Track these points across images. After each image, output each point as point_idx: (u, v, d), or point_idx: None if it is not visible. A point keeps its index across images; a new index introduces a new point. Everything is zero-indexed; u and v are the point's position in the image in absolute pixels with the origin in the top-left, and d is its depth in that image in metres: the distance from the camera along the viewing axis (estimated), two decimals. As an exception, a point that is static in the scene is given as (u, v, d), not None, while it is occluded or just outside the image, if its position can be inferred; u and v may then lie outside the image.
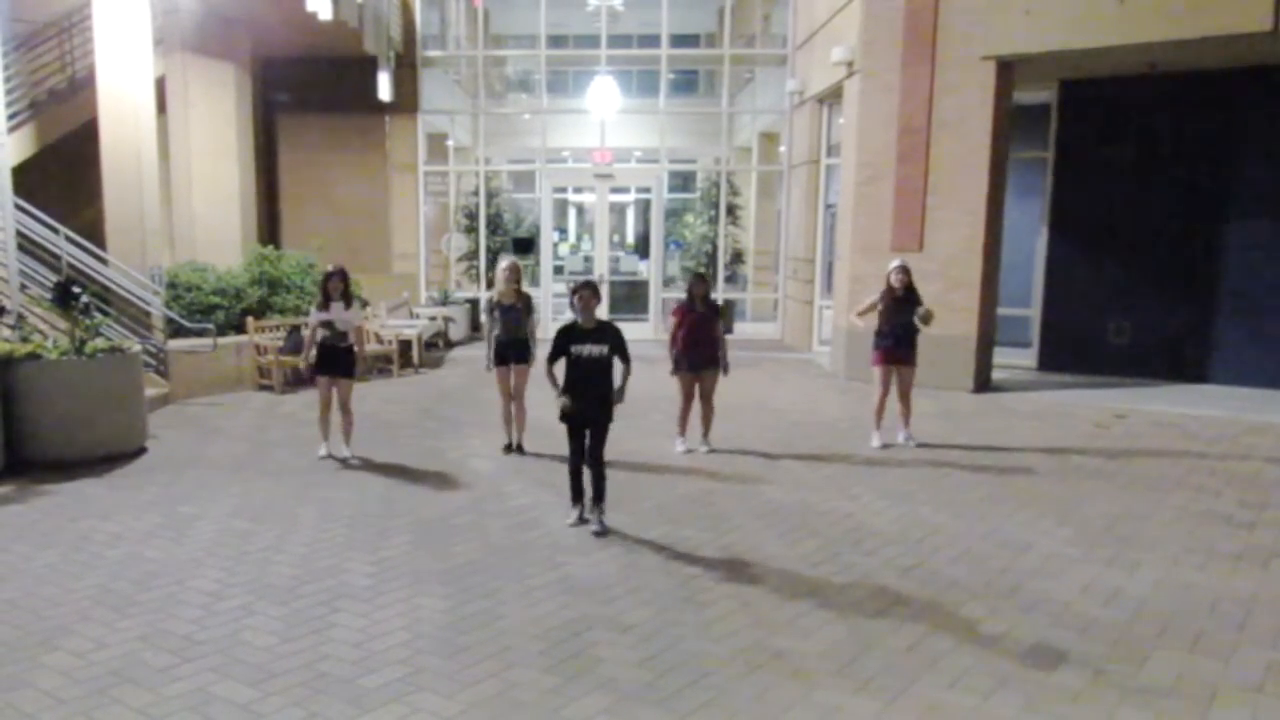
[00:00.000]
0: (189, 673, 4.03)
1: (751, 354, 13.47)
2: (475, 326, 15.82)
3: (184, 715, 3.69)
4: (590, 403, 5.90)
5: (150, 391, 9.11)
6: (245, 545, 5.67)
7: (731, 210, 17.66)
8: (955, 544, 5.77)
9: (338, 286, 7.76)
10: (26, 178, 10.12)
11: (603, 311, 6.12)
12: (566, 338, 5.90)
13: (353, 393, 8.00)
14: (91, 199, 10.50)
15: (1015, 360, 12.44)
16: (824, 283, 14.32)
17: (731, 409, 8.91)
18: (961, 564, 5.43)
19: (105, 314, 8.84)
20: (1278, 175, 11.07)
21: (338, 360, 7.80)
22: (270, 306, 11.72)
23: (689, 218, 20.09)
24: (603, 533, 5.89)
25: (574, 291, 6.02)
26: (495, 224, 17.61)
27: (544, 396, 8.71)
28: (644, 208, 22.69)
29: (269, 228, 15.49)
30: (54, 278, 8.92)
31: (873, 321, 8.43)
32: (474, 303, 16.14)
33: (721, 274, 16.81)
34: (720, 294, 15.90)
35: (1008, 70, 10.79)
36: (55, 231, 9.56)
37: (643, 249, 21.47)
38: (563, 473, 6.22)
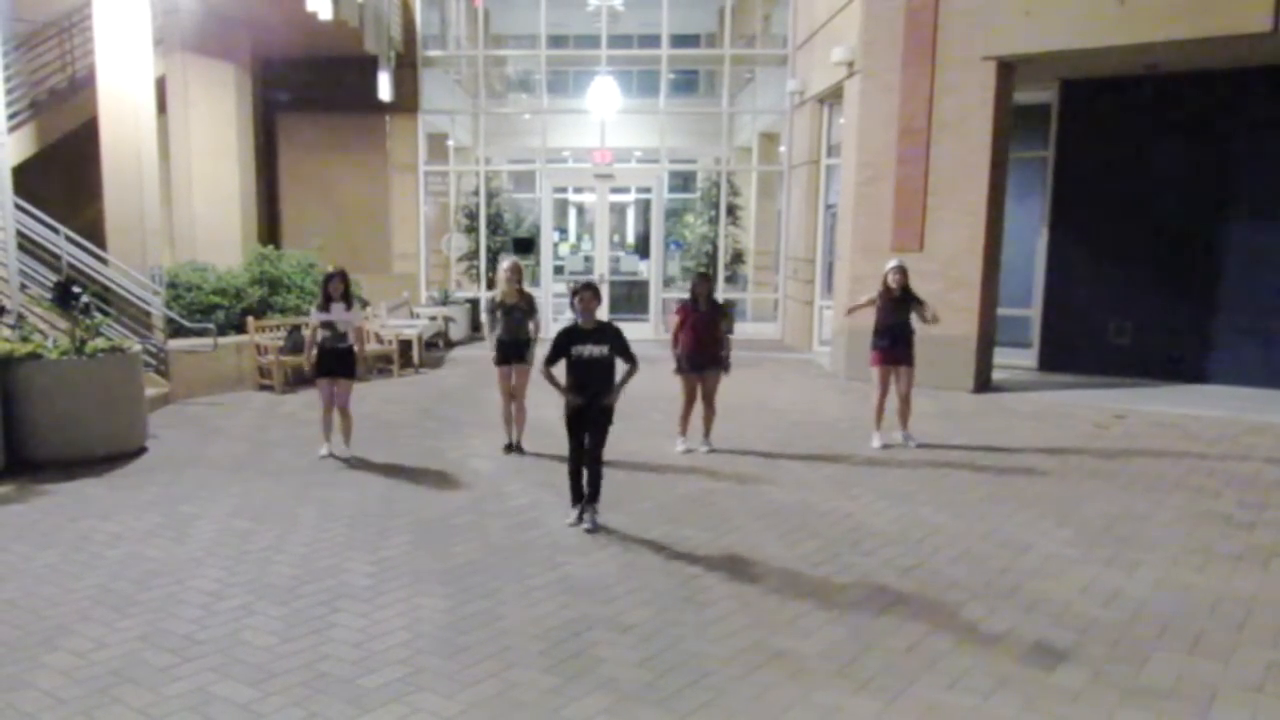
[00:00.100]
0: (189, 672, 4.04)
1: (752, 354, 13.47)
2: (475, 326, 15.82)
3: (184, 715, 3.70)
4: (591, 403, 5.89)
5: (150, 391, 9.11)
6: (245, 545, 5.67)
7: (731, 210, 17.66)
8: (955, 544, 5.77)
9: (338, 288, 7.77)
10: (27, 178, 10.11)
11: (603, 312, 6.13)
12: (567, 339, 5.90)
13: (352, 393, 8.00)
14: (91, 199, 10.50)
15: (1015, 360, 12.44)
16: (824, 283, 14.32)
17: (732, 409, 8.91)
18: (961, 564, 5.43)
19: (105, 314, 8.84)
20: (1277, 175, 11.07)
21: (338, 361, 7.81)
22: (270, 306, 11.72)
23: (689, 218, 20.09)
24: (594, 530, 5.90)
25: (574, 293, 6.03)
26: (495, 224, 17.61)
27: (544, 397, 8.72)
28: (644, 208, 22.71)
29: (269, 228, 15.49)
30: (54, 278, 8.92)
31: (866, 319, 8.42)
32: (474, 303, 16.15)
33: (722, 274, 16.80)
34: (720, 294, 15.87)
35: (1008, 70, 10.79)
36: (55, 231, 9.56)
37: (643, 249, 21.48)
38: (563, 473, 6.22)
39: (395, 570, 5.27)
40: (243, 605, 4.76)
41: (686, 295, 8.24)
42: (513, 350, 7.93)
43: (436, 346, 14.38)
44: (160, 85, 11.94)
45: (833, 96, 13.60)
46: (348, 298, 7.86)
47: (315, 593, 4.93)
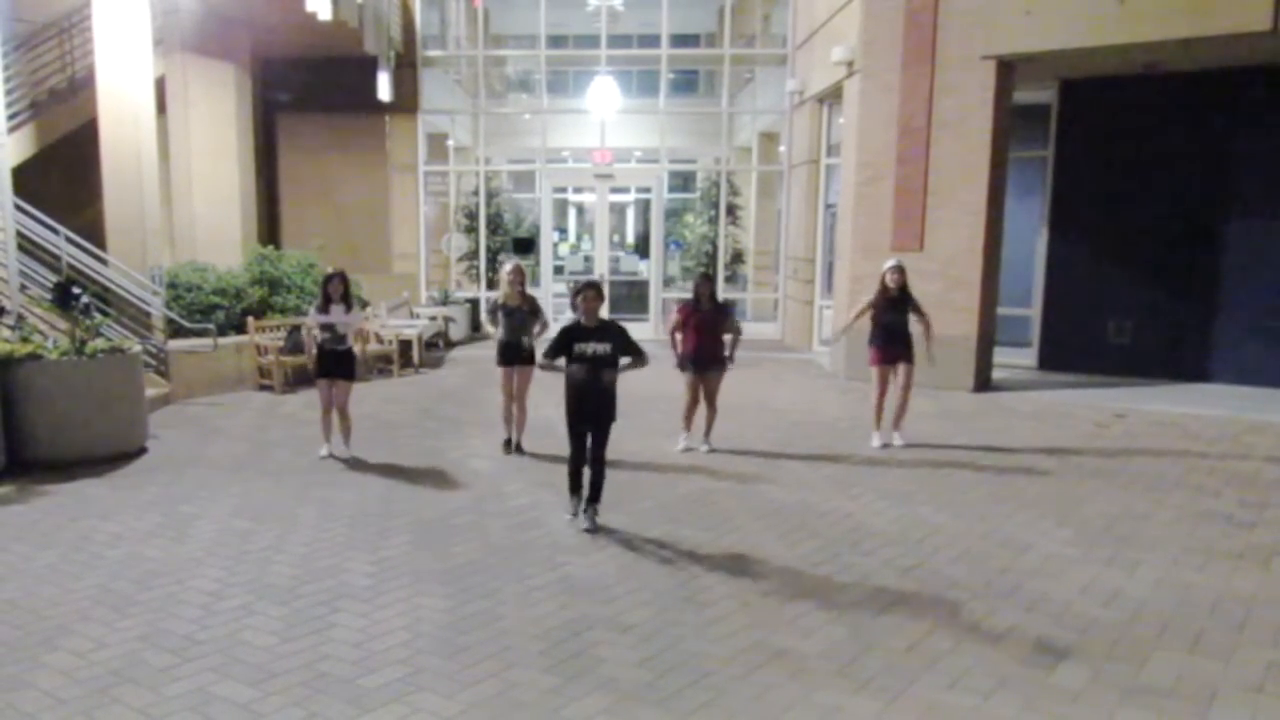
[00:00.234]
0: (189, 673, 4.04)
1: (752, 354, 13.45)
2: (476, 327, 15.82)
3: (184, 715, 3.70)
4: (593, 402, 5.87)
5: (150, 391, 9.11)
6: (245, 545, 5.67)
7: (731, 210, 17.67)
8: (955, 544, 5.77)
9: (338, 289, 7.77)
10: (26, 178, 10.12)
11: (603, 312, 6.07)
12: (569, 336, 5.85)
13: (352, 394, 8.00)
14: (91, 199, 10.50)
15: (1015, 360, 12.44)
16: (824, 283, 14.32)
17: (732, 409, 8.91)
18: (961, 564, 5.43)
19: (105, 314, 8.84)
20: (1277, 174, 11.07)
21: (337, 363, 7.81)
22: (270, 306, 11.72)
23: (689, 218, 20.10)
24: (593, 530, 5.89)
25: (577, 292, 5.95)
26: (495, 224, 17.61)
27: (544, 397, 8.76)
28: (644, 208, 22.70)
29: (269, 228, 15.49)
30: (54, 278, 8.93)
31: (866, 323, 8.44)
32: (474, 303, 16.15)
33: (722, 274, 16.80)
34: (720, 294, 15.88)
35: (1008, 70, 10.79)
36: (55, 232, 9.57)
37: (643, 249, 21.48)
38: (563, 473, 6.22)
39: (395, 570, 5.27)
40: (243, 605, 4.76)
41: (687, 295, 8.25)
42: (514, 352, 7.93)
43: (436, 346, 14.38)
44: (160, 85, 11.94)
45: (832, 96, 13.60)
46: (347, 299, 7.86)
47: (315, 593, 4.93)
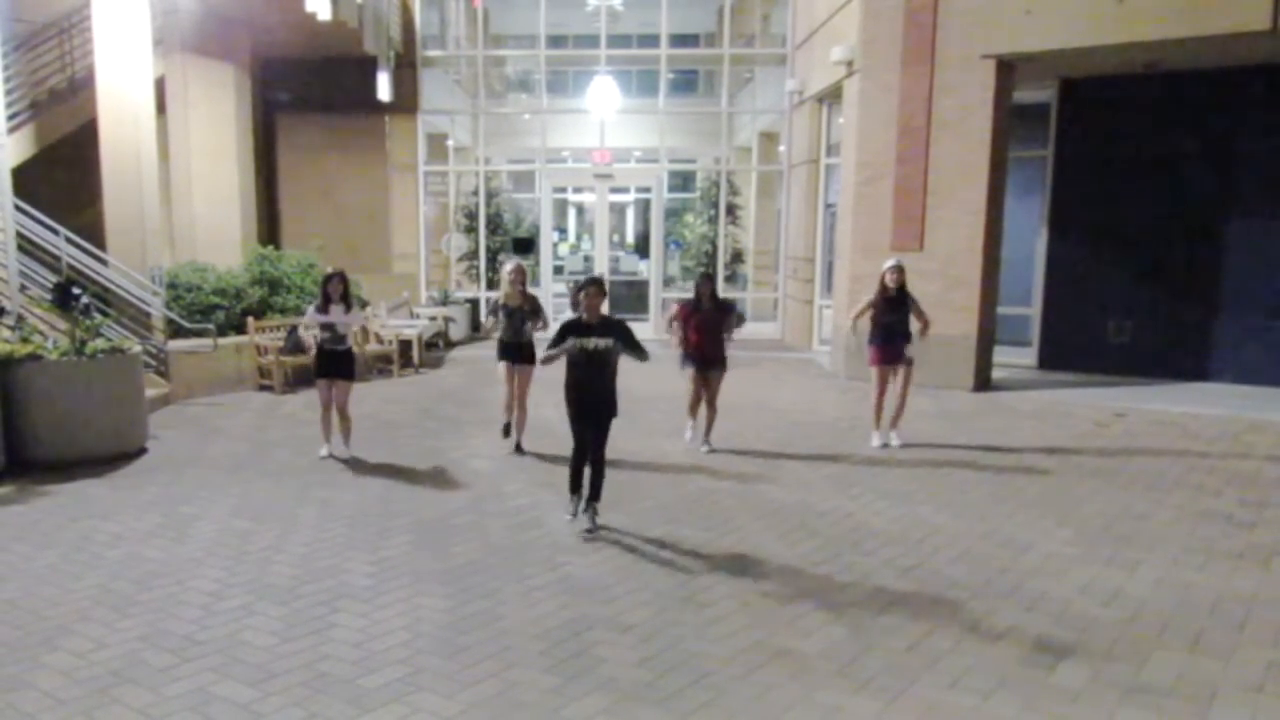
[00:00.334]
0: (189, 673, 4.04)
1: (752, 354, 13.47)
2: (475, 327, 15.83)
3: (184, 715, 3.70)
4: (595, 397, 5.86)
5: (150, 392, 9.11)
6: (245, 545, 5.67)
7: (731, 210, 17.66)
8: (955, 544, 5.77)
9: (338, 289, 7.77)
10: (26, 178, 10.12)
11: (604, 309, 6.04)
12: (571, 332, 5.82)
13: (352, 394, 8.00)
14: (91, 199, 10.49)
15: (1015, 359, 12.44)
16: (824, 282, 14.32)
17: (732, 409, 8.91)
18: (961, 564, 5.43)
19: (105, 314, 8.83)
20: (1277, 173, 11.07)
21: (337, 363, 7.81)
22: (270, 306, 11.72)
23: (689, 217, 20.10)
24: (593, 530, 5.87)
25: (579, 289, 5.88)
26: (495, 224, 17.62)
27: (544, 396, 8.76)
28: (644, 208, 22.70)
29: (269, 228, 15.49)
30: (54, 278, 8.92)
31: (865, 323, 8.46)
32: (474, 303, 16.15)
33: (721, 274, 16.81)
34: (720, 294, 15.89)
35: (1008, 70, 10.79)
36: (55, 232, 9.56)
37: (642, 249, 21.48)
38: (562, 474, 6.22)
39: (395, 570, 5.27)
40: (243, 605, 4.76)
41: (686, 295, 8.27)
42: (515, 351, 7.93)
43: (436, 347, 14.38)
44: (160, 86, 11.94)
45: (832, 96, 13.60)
46: (347, 299, 7.86)
47: (315, 593, 4.93)
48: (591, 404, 5.87)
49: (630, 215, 27.35)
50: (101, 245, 9.91)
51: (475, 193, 17.04)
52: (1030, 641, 4.39)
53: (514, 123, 19.78)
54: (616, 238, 25.63)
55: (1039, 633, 4.49)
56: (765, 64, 17.46)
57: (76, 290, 7.91)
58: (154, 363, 9.92)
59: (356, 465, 7.65)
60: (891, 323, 8.22)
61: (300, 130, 15.94)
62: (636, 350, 5.93)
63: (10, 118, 9.97)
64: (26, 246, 9.33)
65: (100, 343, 8.10)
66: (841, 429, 9.07)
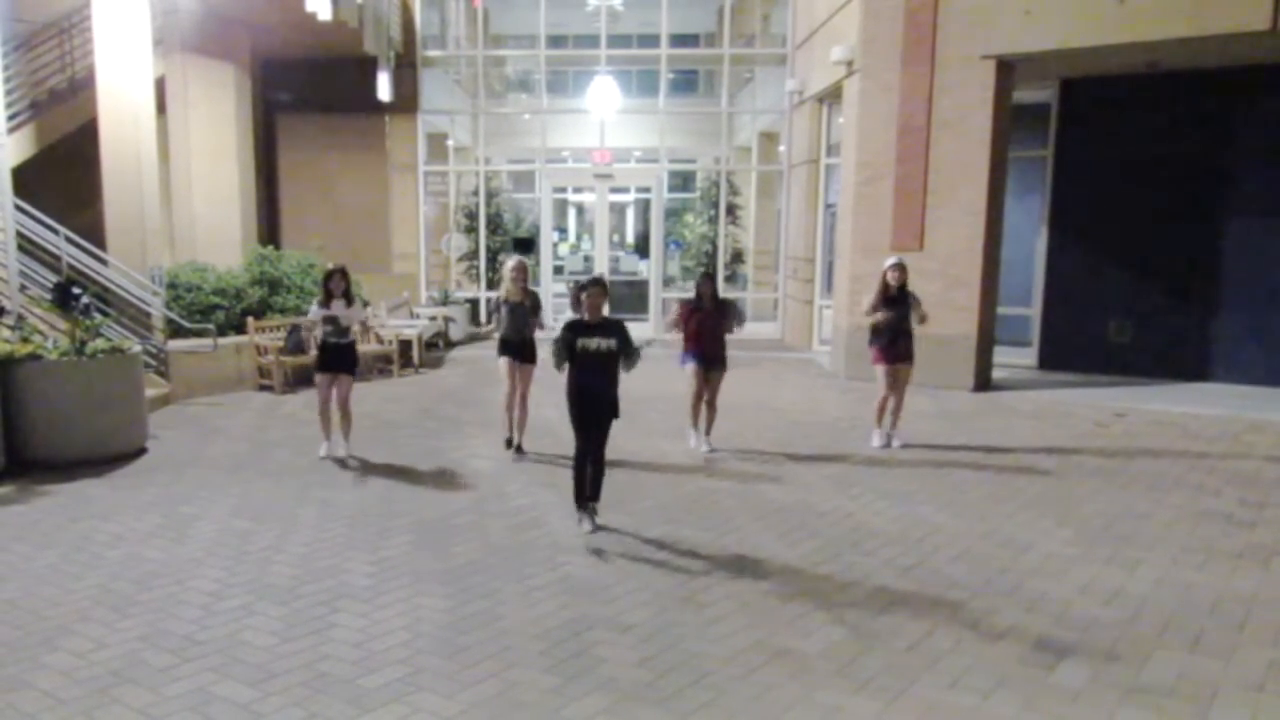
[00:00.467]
0: (189, 673, 4.04)
1: (752, 354, 13.47)
2: (476, 326, 15.82)
3: (184, 715, 3.70)
4: (597, 397, 5.85)
5: (150, 392, 9.11)
6: (245, 545, 5.67)
7: (731, 210, 17.66)
8: (955, 544, 5.77)
9: (340, 285, 7.78)
10: (26, 178, 10.11)
11: (604, 309, 6.04)
12: (573, 332, 5.83)
13: (352, 392, 8.00)
14: (91, 199, 10.49)
15: (1015, 359, 12.44)
16: (824, 282, 14.32)
17: (732, 409, 8.91)
18: (961, 563, 5.43)
19: (105, 314, 8.84)
20: (1277, 175, 11.07)
21: (339, 357, 7.81)
22: (270, 306, 11.72)
23: (689, 217, 20.09)
24: (594, 530, 5.89)
25: (581, 288, 5.87)
26: (495, 224, 17.61)
27: (544, 396, 8.76)
28: (644, 208, 22.70)
29: (269, 228, 15.49)
30: (54, 278, 8.92)
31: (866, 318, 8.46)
32: (474, 303, 16.15)
33: (721, 274, 16.80)
34: (720, 294, 15.90)
35: (1008, 70, 10.79)
36: (55, 232, 9.56)
37: (642, 249, 21.49)
38: (562, 474, 6.22)
39: (395, 570, 5.27)
40: (243, 605, 4.76)
41: (686, 295, 8.27)
42: (516, 348, 7.92)
43: (436, 346, 14.38)
44: (160, 86, 11.94)
45: (832, 96, 13.60)
46: (348, 295, 7.87)
47: (315, 593, 4.93)
48: (593, 405, 5.88)
49: (630, 215, 27.36)
50: (101, 245, 9.91)
51: (475, 193, 17.04)
52: (1030, 641, 4.39)
53: (514, 123, 19.78)
54: (616, 238, 25.64)
55: (1039, 633, 4.49)
56: (765, 64, 17.47)
57: (76, 290, 7.91)
58: (154, 363, 9.92)
59: (357, 465, 7.65)
60: (893, 321, 8.22)
61: (300, 130, 15.95)
62: (629, 355, 5.92)
63: (10, 118, 9.97)
64: (27, 246, 9.33)
65: (100, 343, 8.10)
66: (842, 429, 9.07)
